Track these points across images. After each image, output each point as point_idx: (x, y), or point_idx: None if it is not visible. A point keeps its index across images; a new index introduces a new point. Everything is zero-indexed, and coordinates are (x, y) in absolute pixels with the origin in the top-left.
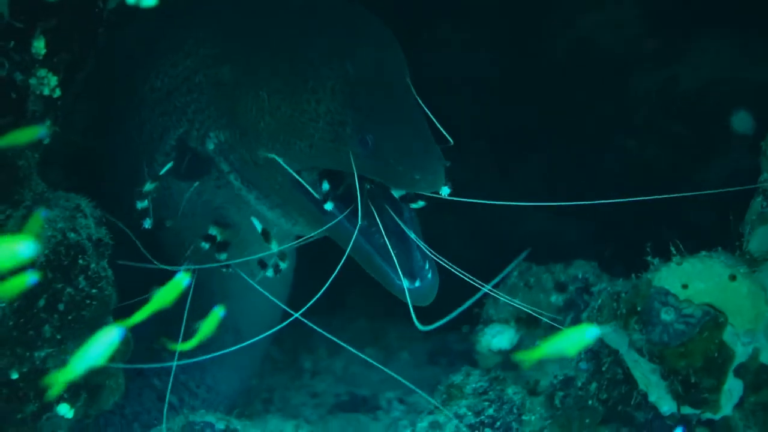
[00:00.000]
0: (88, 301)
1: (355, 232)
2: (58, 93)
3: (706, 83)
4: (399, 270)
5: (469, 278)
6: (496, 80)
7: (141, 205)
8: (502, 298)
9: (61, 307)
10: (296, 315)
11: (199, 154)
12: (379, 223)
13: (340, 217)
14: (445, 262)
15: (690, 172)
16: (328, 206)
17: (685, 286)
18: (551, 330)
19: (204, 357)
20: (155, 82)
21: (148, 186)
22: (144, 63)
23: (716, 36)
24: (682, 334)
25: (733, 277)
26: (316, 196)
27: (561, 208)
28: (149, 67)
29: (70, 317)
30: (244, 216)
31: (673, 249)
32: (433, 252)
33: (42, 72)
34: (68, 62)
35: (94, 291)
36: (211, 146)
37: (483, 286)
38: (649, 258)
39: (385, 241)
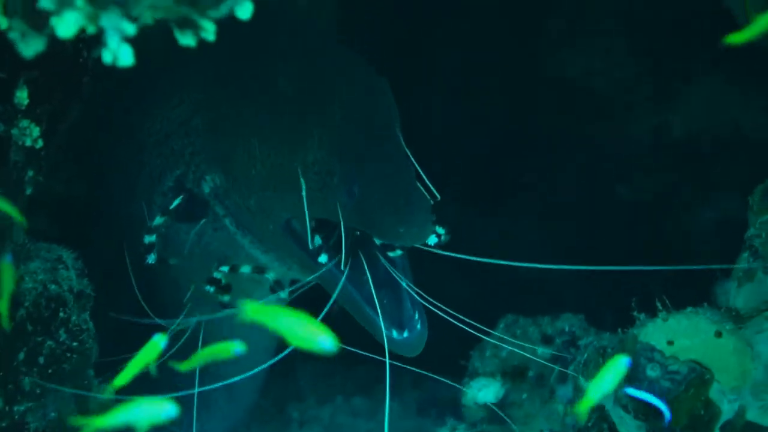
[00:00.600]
0: (68, 355)
1: (342, 280)
2: (40, 144)
3: (698, 129)
4: (381, 321)
5: (460, 322)
6: (488, 122)
7: (149, 239)
8: (489, 339)
9: (41, 360)
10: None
11: (196, 196)
12: (368, 272)
13: (329, 266)
14: (438, 307)
15: (681, 219)
16: (323, 259)
17: (670, 343)
18: (537, 384)
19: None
20: (153, 125)
21: (158, 220)
22: (142, 106)
23: (709, 82)
24: (667, 391)
25: (719, 334)
26: (309, 245)
27: (552, 258)
28: (147, 111)
29: (50, 371)
30: (240, 260)
31: (659, 304)
32: (426, 296)
33: (24, 123)
34: (51, 113)
35: (75, 344)
36: (207, 189)
37: (476, 329)
38: (635, 313)
39: (372, 291)
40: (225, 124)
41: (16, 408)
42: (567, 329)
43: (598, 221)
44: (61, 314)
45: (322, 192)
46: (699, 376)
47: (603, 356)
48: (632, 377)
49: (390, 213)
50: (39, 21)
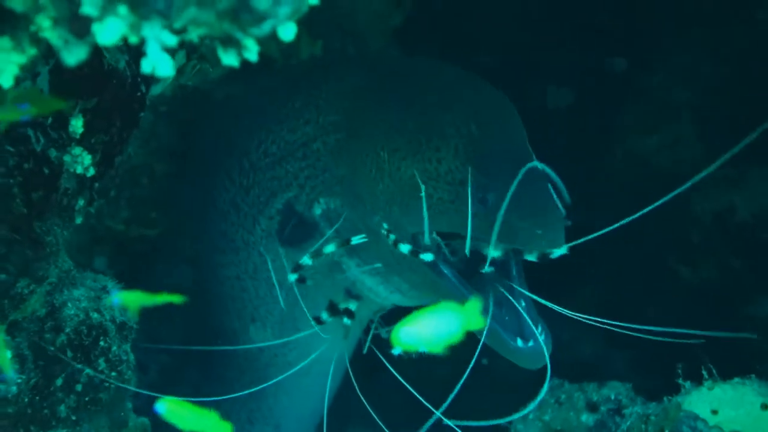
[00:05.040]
0: (106, 384)
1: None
2: (92, 172)
3: (763, 212)
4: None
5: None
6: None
7: (293, 277)
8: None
9: (78, 387)
10: (437, 414)
11: (305, 219)
12: (514, 288)
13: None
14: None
15: (742, 304)
16: (427, 258)
17: (715, 412)
18: None
19: None
20: (270, 147)
21: (306, 259)
22: (256, 128)
23: None
24: None
25: (765, 406)
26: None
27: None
28: (264, 132)
29: (87, 399)
30: (341, 283)
31: (705, 373)
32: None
33: (77, 150)
34: (106, 144)
35: (113, 374)
36: (318, 212)
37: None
38: (680, 380)
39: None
40: (353, 143)
41: None
42: (613, 397)
43: (659, 301)
44: (102, 343)
45: (454, 203)
46: None
47: (646, 423)
48: None
49: (527, 216)
50: (81, 28)
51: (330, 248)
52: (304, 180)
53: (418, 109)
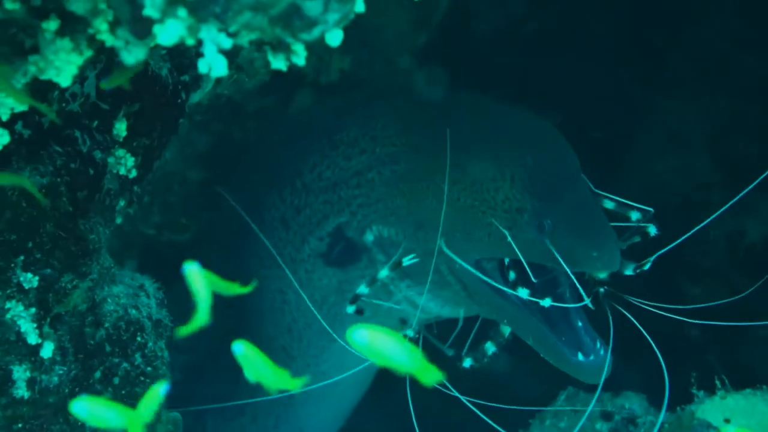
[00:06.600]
0: (142, 378)
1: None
2: (134, 174)
3: None
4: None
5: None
6: None
7: (351, 309)
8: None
9: (116, 381)
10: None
11: (355, 243)
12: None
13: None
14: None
15: (751, 326)
16: (523, 293)
17: (727, 421)
18: None
19: None
20: (325, 171)
21: (362, 288)
22: (311, 151)
23: None
24: None
25: None
26: (500, 286)
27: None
28: (320, 156)
29: (123, 392)
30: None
31: (718, 383)
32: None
33: (120, 152)
34: (147, 148)
35: (149, 369)
36: (370, 238)
37: None
38: (693, 390)
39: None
40: (409, 174)
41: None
42: (627, 406)
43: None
44: (139, 339)
45: (512, 230)
46: None
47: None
48: None
49: (584, 240)
50: (142, 29)
51: (383, 273)
52: (356, 207)
53: (475, 142)
